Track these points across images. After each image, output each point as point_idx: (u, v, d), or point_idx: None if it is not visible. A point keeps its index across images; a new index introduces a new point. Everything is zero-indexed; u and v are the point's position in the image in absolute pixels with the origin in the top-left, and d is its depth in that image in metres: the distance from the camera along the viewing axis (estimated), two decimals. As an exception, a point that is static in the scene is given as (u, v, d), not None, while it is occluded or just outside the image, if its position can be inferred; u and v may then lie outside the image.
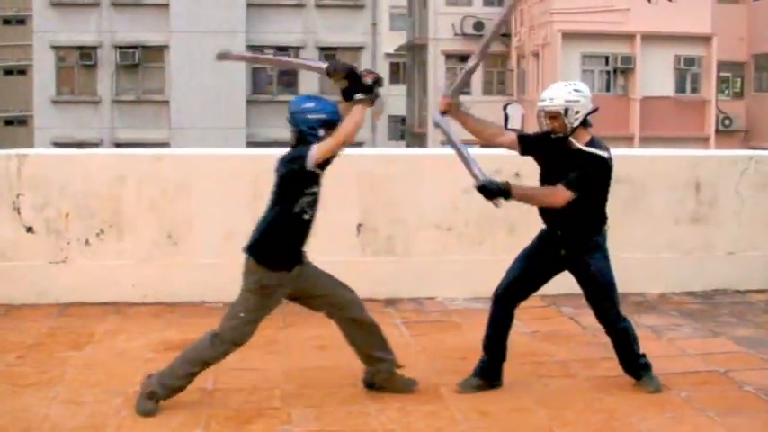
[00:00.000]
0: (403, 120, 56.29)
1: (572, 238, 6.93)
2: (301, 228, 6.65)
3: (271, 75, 41.91)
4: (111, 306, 9.58)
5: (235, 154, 11.37)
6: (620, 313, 7.04)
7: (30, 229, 9.75)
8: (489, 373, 7.06)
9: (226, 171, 9.97)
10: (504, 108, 40.40)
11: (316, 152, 6.41)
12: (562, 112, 6.72)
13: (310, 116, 6.55)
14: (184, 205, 9.77)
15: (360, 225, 9.86)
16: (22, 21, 64.97)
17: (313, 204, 6.62)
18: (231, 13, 40.82)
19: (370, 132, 40.78)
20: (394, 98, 54.41)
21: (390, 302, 9.73)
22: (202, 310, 9.49)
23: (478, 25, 45.51)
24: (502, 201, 6.67)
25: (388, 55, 55.14)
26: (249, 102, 40.90)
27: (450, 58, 46.85)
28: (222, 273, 9.60)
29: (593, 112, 6.82)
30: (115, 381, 7.26)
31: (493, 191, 6.61)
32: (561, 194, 6.66)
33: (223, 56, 7.69)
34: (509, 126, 41.24)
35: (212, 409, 6.67)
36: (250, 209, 9.46)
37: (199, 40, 40.00)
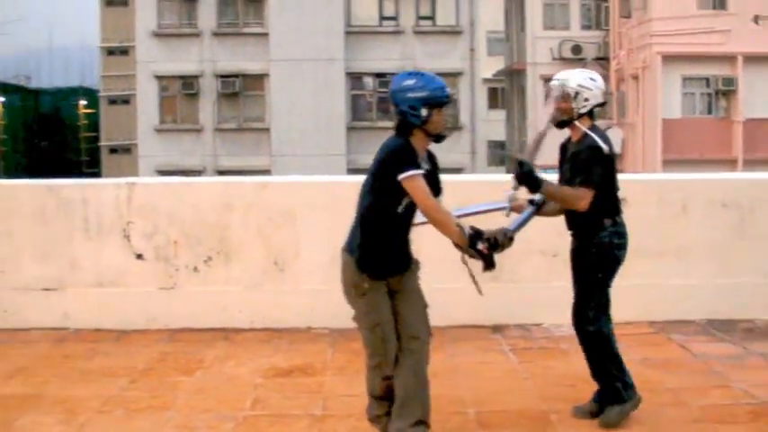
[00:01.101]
0: (502, 145, 56.14)
1: (580, 234, 6.84)
2: (408, 228, 6.13)
3: (370, 101, 42.13)
4: (220, 332, 9.70)
5: (339, 180, 11.42)
6: (597, 316, 6.77)
7: (139, 257, 9.94)
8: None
9: (330, 197, 10.04)
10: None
11: (407, 180, 5.80)
12: (572, 94, 6.68)
13: (411, 94, 5.92)
14: (290, 232, 9.87)
15: (465, 252, 9.85)
16: (125, 51, 66.25)
17: (413, 210, 6.03)
18: (330, 41, 41.14)
19: (469, 158, 40.80)
20: (492, 123, 54.37)
21: (497, 329, 9.71)
22: (309, 336, 9.57)
23: (576, 49, 45.33)
24: (525, 194, 6.67)
25: (486, 80, 55.10)
26: (349, 128, 41.13)
27: (549, 82, 46.62)
28: (328, 299, 9.65)
29: (601, 104, 6.77)
30: (226, 406, 7.34)
31: (527, 179, 6.55)
32: (584, 196, 6.56)
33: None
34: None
35: (322, 434, 6.72)
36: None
37: (298, 68, 40.41)
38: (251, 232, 9.91)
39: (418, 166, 5.86)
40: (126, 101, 66.67)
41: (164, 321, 9.91)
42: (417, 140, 5.98)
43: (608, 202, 6.72)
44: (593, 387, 6.98)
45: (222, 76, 41.62)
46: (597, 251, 6.72)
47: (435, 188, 6.08)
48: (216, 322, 9.84)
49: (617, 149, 41.49)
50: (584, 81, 6.71)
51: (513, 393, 7.08)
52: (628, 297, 9.69)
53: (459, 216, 6.55)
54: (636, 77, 42.24)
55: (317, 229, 9.87)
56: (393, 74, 40.22)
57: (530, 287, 9.97)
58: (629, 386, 6.82)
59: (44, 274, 10.09)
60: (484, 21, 48.52)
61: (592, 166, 6.58)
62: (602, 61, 45.76)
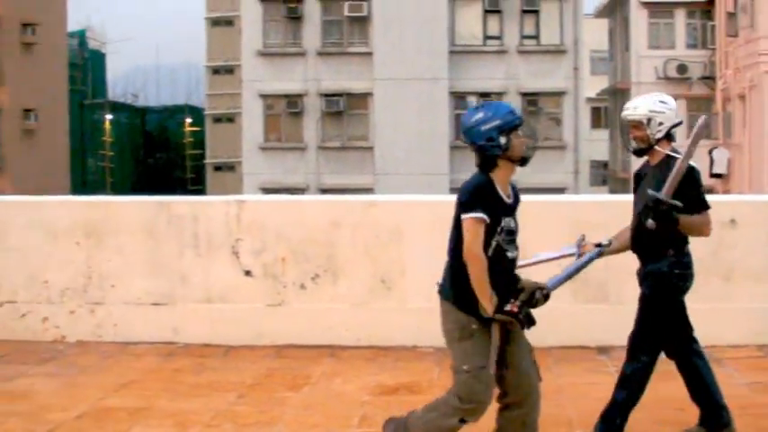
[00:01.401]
0: (605, 164, 55.74)
1: (642, 260, 6.74)
2: (504, 268, 5.91)
3: (473, 121, 42.13)
4: (326, 349, 9.77)
5: (444, 200, 11.44)
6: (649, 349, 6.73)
7: (248, 273, 10.06)
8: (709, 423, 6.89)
9: (437, 216, 10.04)
10: (710, 152, 39.64)
11: (466, 221, 5.73)
12: (645, 121, 6.58)
13: (484, 127, 5.83)
14: (397, 250, 9.91)
15: (571, 272, 9.80)
16: (230, 70, 67.16)
17: (511, 241, 5.91)
18: (434, 61, 41.27)
19: (572, 178, 40.57)
20: (596, 143, 54.05)
21: (603, 350, 9.62)
22: (415, 355, 9.60)
23: (682, 68, 44.87)
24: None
25: (590, 99, 54.85)
26: (453, 147, 41.14)
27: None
28: (434, 318, 9.65)
29: (677, 125, 6.66)
30: (334, 423, 7.39)
31: (665, 213, 6.39)
32: (708, 220, 6.50)
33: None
34: (714, 170, 40.39)
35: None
36: (462, 254, 9.56)
37: (402, 87, 40.61)
38: (358, 250, 9.98)
39: (484, 210, 5.76)
40: (231, 119, 67.57)
41: (271, 338, 10.02)
42: (503, 171, 5.91)
43: (675, 230, 6.57)
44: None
45: (326, 95, 41.97)
46: (656, 281, 6.64)
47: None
48: (322, 339, 9.91)
49: (723, 170, 40.92)
50: (654, 106, 6.62)
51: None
52: (735, 320, 9.58)
53: (528, 265, 6.56)
54: (742, 97, 41.61)
55: (423, 247, 9.89)
56: (497, 93, 40.51)
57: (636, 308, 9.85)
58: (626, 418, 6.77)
59: (154, 289, 10.27)
60: (588, 40, 48.30)
61: (698, 188, 6.53)
62: (708, 80, 45.25)
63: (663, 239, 6.53)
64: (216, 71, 71.83)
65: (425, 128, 40.60)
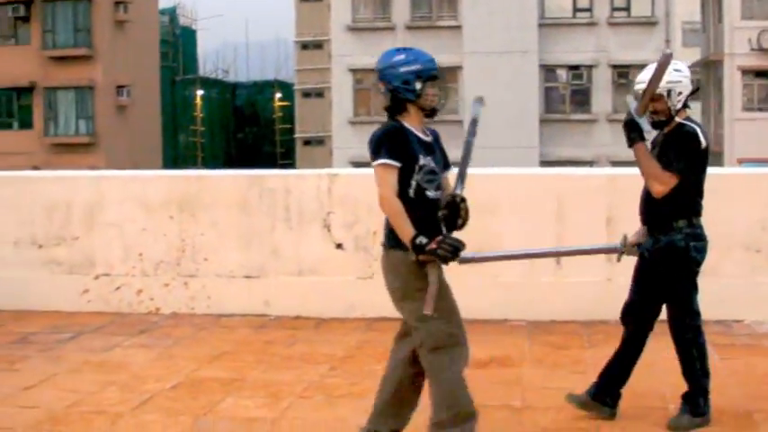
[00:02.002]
0: (698, 138, 54.99)
1: (653, 232, 6.54)
2: (427, 209, 5.80)
3: (563, 94, 41.82)
4: (417, 322, 9.76)
5: (540, 173, 11.41)
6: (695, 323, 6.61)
7: (339, 246, 10.10)
8: None
9: (530, 190, 10.01)
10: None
11: (377, 167, 5.80)
12: (665, 93, 6.34)
13: (403, 69, 5.76)
14: (491, 224, 9.84)
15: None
16: (319, 45, 67.38)
17: (431, 180, 5.85)
18: (524, 34, 41.00)
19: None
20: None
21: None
22: (506, 328, 9.57)
23: (777, 39, 44.05)
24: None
25: (682, 72, 54.00)
26: (542, 121, 40.90)
27: (747, 73, 45.44)
28: (525, 292, 9.70)
29: (694, 92, 6.50)
30: (424, 395, 7.36)
31: (630, 125, 6.37)
32: (664, 180, 6.25)
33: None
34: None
35: (522, 426, 6.70)
36: (554, 227, 9.53)
37: (492, 61, 40.44)
38: (450, 223, 9.94)
39: (392, 155, 5.76)
40: (320, 94, 67.81)
41: (362, 310, 10.04)
42: (412, 118, 5.88)
43: (687, 200, 6.42)
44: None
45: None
46: (674, 257, 6.45)
47: (443, 162, 6.04)
48: (413, 312, 9.90)
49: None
50: (671, 76, 6.35)
51: (713, 390, 6.89)
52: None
53: (565, 253, 6.50)
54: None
55: (516, 220, 9.85)
56: (587, 66, 40.18)
57: (731, 283, 9.72)
58: (707, 400, 6.63)
59: (246, 262, 10.36)
60: (679, 11, 47.60)
61: (683, 153, 6.31)
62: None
63: (672, 209, 6.38)
64: (305, 46, 72.07)
65: (515, 101, 40.37)
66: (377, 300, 9.98)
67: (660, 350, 8.25)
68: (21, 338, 9.52)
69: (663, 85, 6.32)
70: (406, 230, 5.70)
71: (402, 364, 6.10)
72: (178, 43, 70.53)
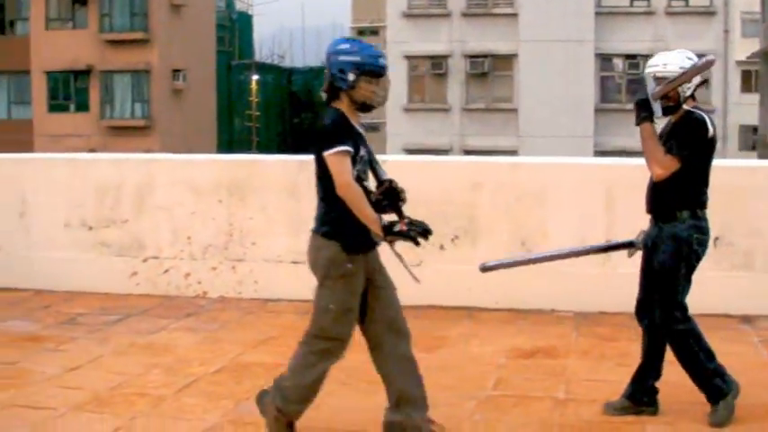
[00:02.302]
0: (755, 129, 54.33)
1: (657, 221, 6.44)
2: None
3: (619, 83, 41.53)
4: (464, 310, 9.73)
5: (589, 163, 11.32)
6: (685, 315, 6.40)
7: (387, 233, 10.03)
8: None
9: (580, 179, 9.92)
10: None
11: (330, 158, 5.86)
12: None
13: (342, 57, 5.84)
14: (539, 213, 9.79)
15: (716, 238, 9.55)
16: (375, 31, 67.46)
17: (366, 170, 6.05)
18: (580, 22, 40.70)
19: (720, 143, 39.69)
20: (746, 107, 52.66)
21: (746, 319, 9.37)
22: (553, 318, 9.50)
23: (839, 31, 43.40)
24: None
25: (740, 62, 53.44)
26: (597, 110, 40.64)
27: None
28: (574, 281, 9.61)
29: (703, 83, 6.38)
30: (468, 385, 7.35)
31: (642, 104, 6.33)
32: (665, 164, 6.20)
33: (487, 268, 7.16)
34: None
35: (565, 418, 6.63)
36: (603, 217, 9.43)
37: (547, 49, 40.18)
38: (499, 212, 9.89)
39: (348, 143, 5.83)
40: (375, 80, 67.73)
41: (409, 298, 9.94)
42: (345, 107, 5.94)
43: (692, 190, 6.33)
44: None
45: (471, 57, 41.78)
46: (675, 246, 6.33)
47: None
48: (461, 301, 9.87)
49: None
50: (684, 62, 6.29)
51: (762, 387, 6.81)
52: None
53: (583, 252, 6.47)
54: None
55: (567, 210, 9.76)
56: (644, 56, 39.87)
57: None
58: (725, 377, 6.45)
59: (294, 247, 10.32)
60: (739, 1, 47.05)
61: (688, 140, 6.24)
62: None
63: (677, 199, 6.30)
64: (361, 32, 72.15)
65: (570, 90, 40.13)
66: (425, 287, 9.95)
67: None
68: (69, 319, 9.58)
69: (676, 71, 6.27)
70: (370, 215, 5.91)
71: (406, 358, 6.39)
72: (234, 28, 70.72)
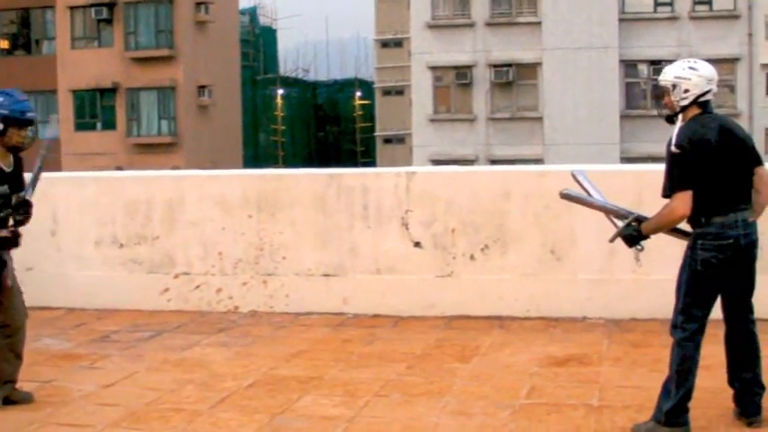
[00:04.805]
0: (782, 133, 54.09)
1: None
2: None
3: (644, 89, 41.42)
4: (495, 320, 9.74)
5: (617, 169, 11.30)
6: (684, 325, 6.28)
7: (417, 244, 10.09)
8: None
9: (610, 186, 9.88)
10: None
11: None
12: (670, 87, 6.22)
13: None
14: (568, 221, 9.78)
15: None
16: (399, 43, 67.48)
17: (4, 204, 6.88)
18: (604, 29, 40.67)
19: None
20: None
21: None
22: (584, 326, 9.49)
23: None
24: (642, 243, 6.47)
25: (765, 66, 53.15)
26: (623, 117, 40.55)
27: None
28: (605, 289, 9.60)
29: (705, 93, 6.21)
30: (502, 394, 7.34)
31: (633, 238, 6.45)
32: (676, 200, 6.12)
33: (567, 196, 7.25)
34: None
35: (600, 425, 6.63)
36: (633, 224, 9.38)
37: (572, 57, 40.17)
38: (528, 221, 9.90)
39: None
40: (400, 92, 67.86)
41: (440, 308, 10.03)
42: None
43: (702, 197, 6.17)
44: None
45: (495, 66, 41.76)
46: (686, 250, 6.31)
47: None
48: (492, 310, 9.88)
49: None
50: (681, 72, 6.22)
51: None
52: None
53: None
54: None
55: (595, 218, 9.71)
56: (668, 61, 39.70)
57: None
58: (680, 414, 6.28)
59: (324, 260, 10.39)
60: (763, 4, 46.79)
61: (672, 167, 6.20)
62: None
63: (697, 206, 6.18)
64: (385, 44, 72.16)
65: (595, 97, 40.07)
66: (456, 298, 10.05)
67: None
68: (102, 337, 9.64)
69: (670, 79, 6.26)
70: None
71: None
72: (258, 43, 70.95)
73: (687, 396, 6.25)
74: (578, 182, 7.12)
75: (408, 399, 7.31)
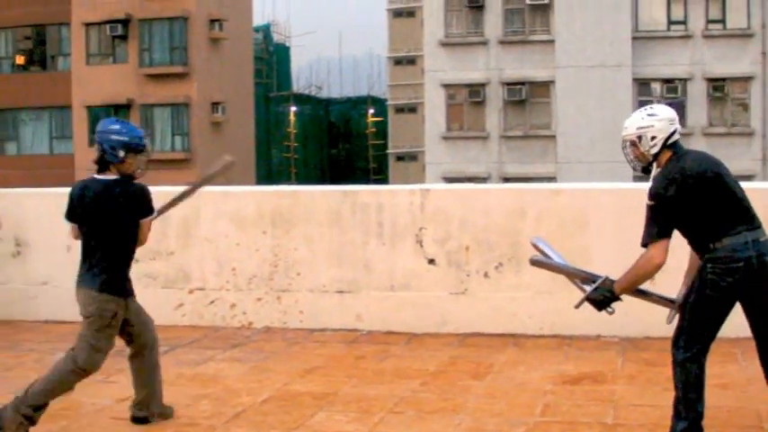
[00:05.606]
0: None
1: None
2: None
3: (653, 109, 41.36)
4: (509, 337, 9.76)
5: (630, 187, 11.27)
6: (686, 344, 6.27)
7: (431, 261, 10.11)
8: None
9: (622, 204, 9.92)
10: None
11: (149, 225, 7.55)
12: (636, 140, 6.25)
13: (114, 137, 6.93)
14: (581, 238, 9.80)
15: None
16: (412, 61, 67.60)
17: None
18: (617, 47, 40.66)
19: (760, 165, 39.50)
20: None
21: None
22: (598, 344, 9.50)
23: None
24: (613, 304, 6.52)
25: (780, 85, 53.13)
26: (636, 135, 40.47)
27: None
28: (618, 306, 9.55)
29: (672, 134, 6.23)
30: (516, 411, 7.35)
31: (604, 301, 6.53)
32: (650, 251, 6.15)
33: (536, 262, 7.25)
34: None
35: (614, 443, 6.64)
36: (647, 243, 9.39)
37: (585, 75, 40.16)
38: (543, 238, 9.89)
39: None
40: (413, 109, 67.99)
41: (454, 326, 10.05)
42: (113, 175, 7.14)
43: (700, 230, 6.21)
44: None
45: (508, 84, 41.75)
46: (701, 285, 6.24)
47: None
48: (505, 328, 9.89)
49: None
50: (641, 122, 6.25)
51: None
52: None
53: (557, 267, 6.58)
54: None
55: (609, 236, 9.77)
56: (681, 79, 39.70)
57: None
58: None
59: (339, 276, 10.41)
60: (777, 23, 46.83)
61: (648, 217, 6.21)
62: None
63: (698, 237, 6.25)
64: (398, 62, 72.29)
65: (608, 115, 39.97)
66: (470, 315, 10.06)
67: (756, 367, 8.14)
68: (117, 351, 9.61)
69: (633, 132, 6.29)
70: None
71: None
72: (272, 60, 71.13)
73: (699, 416, 6.25)
74: (539, 249, 7.14)
75: (422, 416, 7.32)
